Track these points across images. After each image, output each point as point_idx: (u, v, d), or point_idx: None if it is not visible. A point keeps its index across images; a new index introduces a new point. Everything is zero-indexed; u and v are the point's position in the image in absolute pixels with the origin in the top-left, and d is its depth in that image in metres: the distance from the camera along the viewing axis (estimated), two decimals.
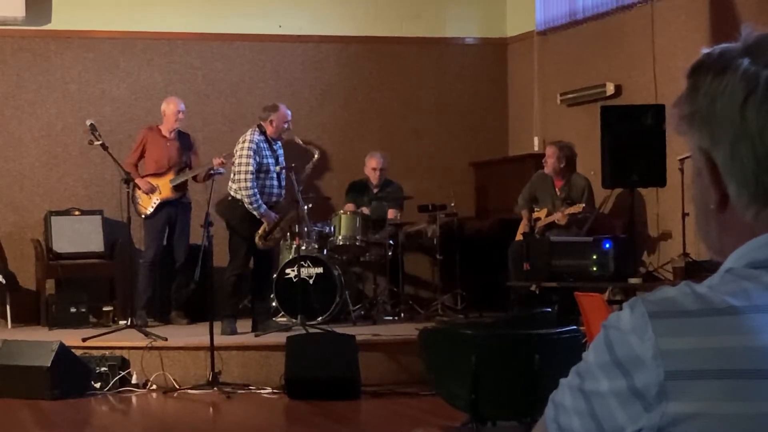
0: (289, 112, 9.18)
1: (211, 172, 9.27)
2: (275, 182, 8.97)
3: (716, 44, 1.25)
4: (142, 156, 9.76)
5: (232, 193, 8.89)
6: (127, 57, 10.61)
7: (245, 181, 8.75)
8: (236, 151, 8.89)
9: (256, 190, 8.77)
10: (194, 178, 9.76)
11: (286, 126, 9.13)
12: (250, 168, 8.76)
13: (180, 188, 9.73)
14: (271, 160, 8.92)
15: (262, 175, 8.85)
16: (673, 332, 1.14)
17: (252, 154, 8.78)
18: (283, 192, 9.09)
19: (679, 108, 1.26)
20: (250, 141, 8.82)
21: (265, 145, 8.89)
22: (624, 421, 1.15)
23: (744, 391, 1.12)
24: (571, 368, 1.22)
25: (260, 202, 8.79)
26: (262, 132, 8.92)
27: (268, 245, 9.01)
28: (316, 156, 9.76)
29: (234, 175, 8.87)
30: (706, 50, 1.25)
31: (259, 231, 8.83)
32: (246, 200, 8.76)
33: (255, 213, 8.80)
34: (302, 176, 9.69)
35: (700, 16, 8.97)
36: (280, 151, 9.12)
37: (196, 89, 10.70)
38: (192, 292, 9.33)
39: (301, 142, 9.84)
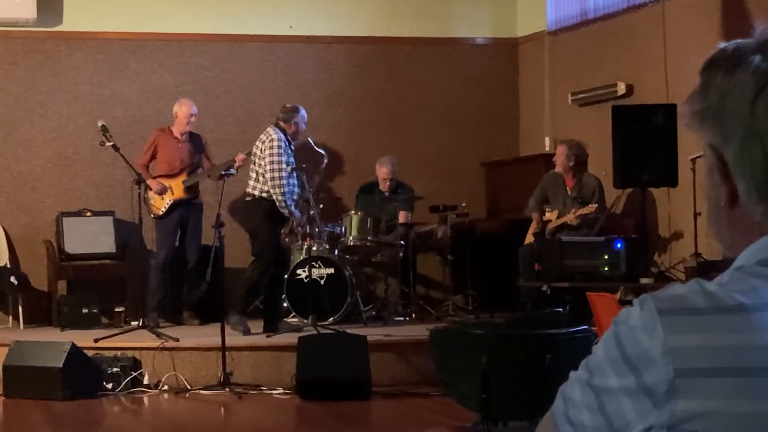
0: (306, 114, 9.20)
1: (223, 173, 9.28)
2: (296, 181, 8.98)
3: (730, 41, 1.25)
4: (153, 157, 9.77)
5: (256, 194, 8.84)
6: (137, 58, 10.63)
7: (279, 179, 8.72)
8: (263, 150, 8.82)
9: (290, 188, 8.78)
10: (210, 176, 9.74)
11: (304, 128, 9.15)
12: (284, 166, 8.75)
13: (192, 189, 9.74)
14: (292, 159, 8.93)
15: (286, 174, 8.84)
16: (682, 330, 1.14)
17: (282, 152, 8.77)
18: (300, 191, 9.09)
19: (691, 104, 1.25)
20: (279, 139, 8.80)
21: (287, 144, 8.90)
22: (633, 418, 1.15)
23: (753, 389, 1.12)
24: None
25: (291, 200, 8.81)
26: (282, 131, 8.91)
27: (291, 242, 9.02)
28: (325, 159, 9.72)
29: (261, 175, 8.79)
30: (721, 46, 1.25)
31: (285, 229, 8.85)
32: (279, 197, 8.72)
33: (284, 211, 8.78)
34: (319, 179, 9.66)
35: (712, 15, 8.94)
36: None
37: (207, 90, 10.70)
38: (204, 293, 9.35)
39: (313, 144, 9.82)
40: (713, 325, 1.13)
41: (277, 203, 8.75)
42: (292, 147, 9.01)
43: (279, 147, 8.76)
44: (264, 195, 8.80)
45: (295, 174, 8.94)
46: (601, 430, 1.17)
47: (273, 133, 8.86)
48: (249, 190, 8.93)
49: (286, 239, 8.91)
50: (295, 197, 8.96)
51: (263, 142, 8.86)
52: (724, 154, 1.22)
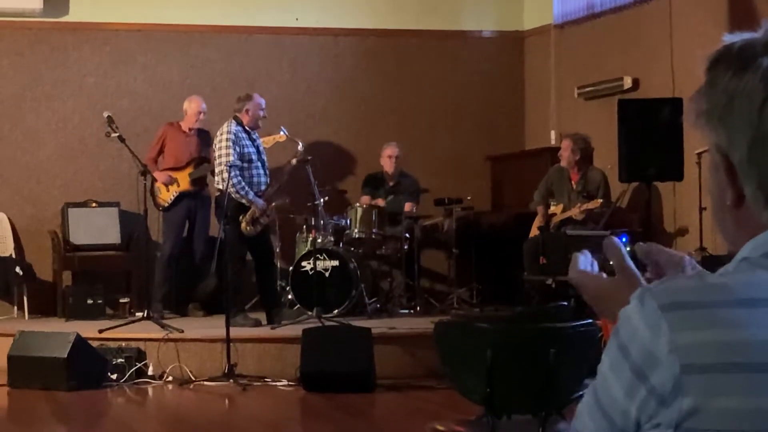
0: (263, 101, 9.12)
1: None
2: (261, 171, 8.96)
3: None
4: (161, 152, 9.79)
5: (221, 187, 8.80)
6: (144, 50, 10.63)
7: (227, 171, 8.70)
8: (215, 144, 8.89)
9: (240, 179, 8.75)
10: (212, 171, 9.75)
11: (261, 114, 9.09)
12: (231, 158, 8.74)
13: (198, 182, 9.74)
14: (252, 149, 8.91)
15: (245, 165, 8.84)
16: (688, 326, 1.12)
17: (231, 144, 8.78)
18: (269, 180, 9.03)
19: (696, 103, 1.24)
20: (228, 132, 8.83)
21: (244, 135, 8.89)
22: (641, 417, 1.14)
23: (760, 384, 1.10)
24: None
25: (246, 189, 8.78)
26: (239, 123, 8.92)
27: (255, 230, 8.89)
28: (300, 149, 9.44)
29: (216, 167, 8.86)
30: (726, 40, 1.23)
31: (246, 216, 8.80)
32: (231, 189, 8.70)
33: (243, 201, 8.77)
34: (290, 168, 9.35)
35: (718, 9, 8.93)
36: (259, 141, 9.09)
37: (213, 82, 10.70)
38: (211, 285, 9.34)
39: (286, 133, 9.63)
40: (720, 319, 1.12)
41: (232, 194, 8.73)
42: (253, 136, 9.00)
43: (228, 139, 8.79)
44: (222, 187, 8.77)
45: (258, 163, 8.91)
46: None
47: (225, 126, 8.90)
48: (215, 185, 8.92)
49: (248, 228, 8.81)
50: (262, 188, 8.93)
51: (216, 136, 8.90)
52: (731, 157, 1.21)
